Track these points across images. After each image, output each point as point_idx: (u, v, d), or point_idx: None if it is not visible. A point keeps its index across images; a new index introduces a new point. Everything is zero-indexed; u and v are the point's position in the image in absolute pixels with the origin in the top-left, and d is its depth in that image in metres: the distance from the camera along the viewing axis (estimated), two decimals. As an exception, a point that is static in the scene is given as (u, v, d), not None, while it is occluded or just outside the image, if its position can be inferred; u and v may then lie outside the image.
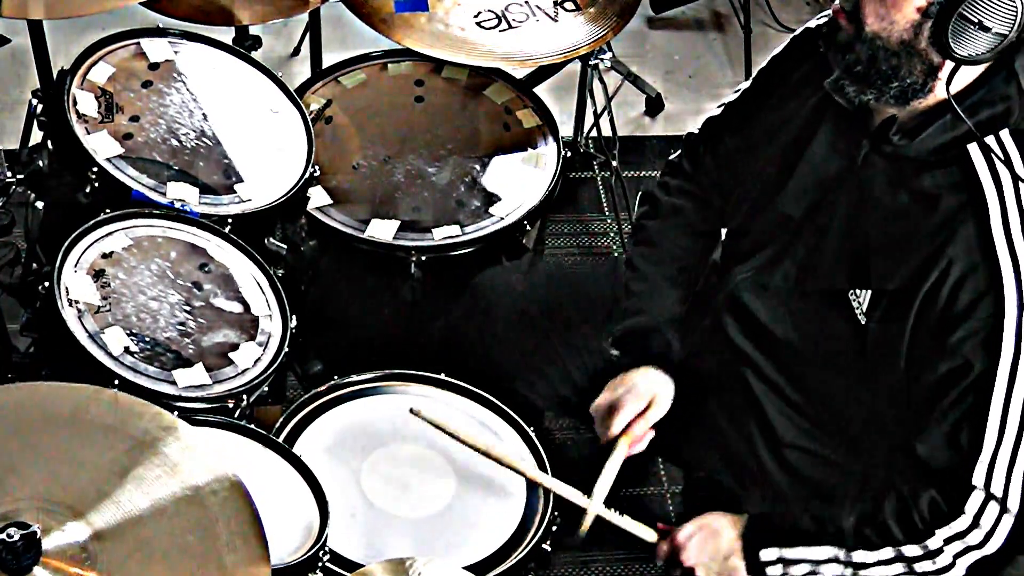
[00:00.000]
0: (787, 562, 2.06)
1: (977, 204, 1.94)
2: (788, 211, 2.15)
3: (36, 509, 1.74)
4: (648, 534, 2.20)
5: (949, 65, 1.92)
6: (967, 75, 1.96)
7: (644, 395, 2.20)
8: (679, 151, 2.41)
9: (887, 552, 2.01)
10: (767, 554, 2.08)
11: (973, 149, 1.96)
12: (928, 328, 1.97)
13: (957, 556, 1.97)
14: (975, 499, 1.95)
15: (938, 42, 1.89)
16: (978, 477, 1.94)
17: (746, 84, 2.33)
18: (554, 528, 2.20)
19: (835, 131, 2.10)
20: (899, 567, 2.01)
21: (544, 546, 2.18)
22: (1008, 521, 1.95)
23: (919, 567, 1.99)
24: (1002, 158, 1.95)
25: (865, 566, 2.02)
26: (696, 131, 2.39)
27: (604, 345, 2.32)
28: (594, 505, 2.16)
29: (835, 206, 2.09)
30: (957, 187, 1.97)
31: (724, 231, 2.35)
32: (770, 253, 2.17)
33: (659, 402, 2.21)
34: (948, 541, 1.96)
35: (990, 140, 1.96)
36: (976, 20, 1.86)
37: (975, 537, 1.96)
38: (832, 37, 1.99)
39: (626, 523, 2.18)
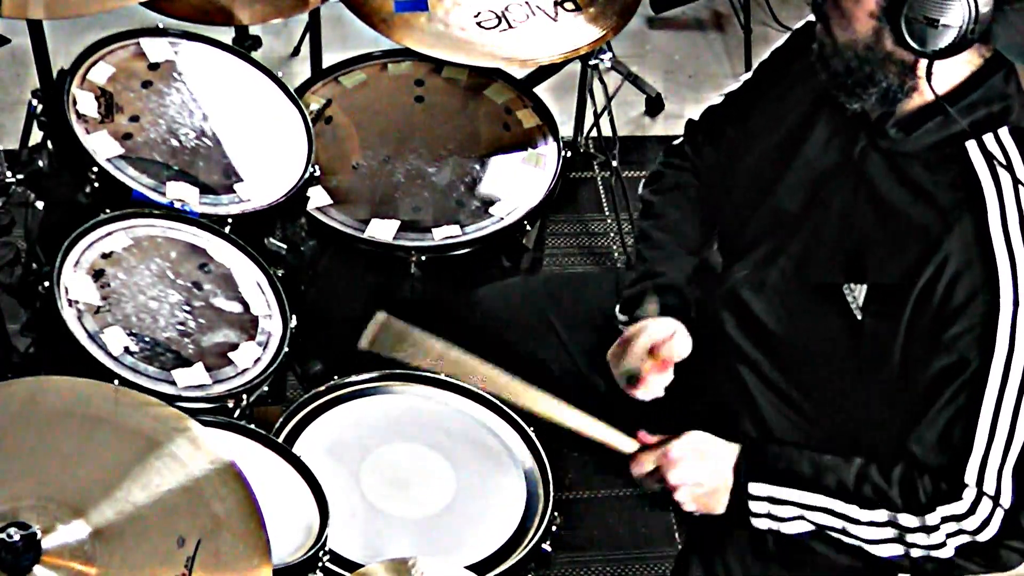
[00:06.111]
0: (775, 501, 2.04)
1: (975, 200, 1.94)
2: (785, 205, 2.15)
3: (35, 507, 1.75)
4: (627, 445, 2.11)
5: (924, 61, 1.92)
6: (956, 71, 1.95)
7: (666, 325, 2.15)
8: (681, 137, 2.41)
9: (881, 515, 2.00)
10: (756, 488, 2.05)
11: (971, 146, 1.96)
12: (923, 324, 1.97)
13: (950, 536, 1.97)
14: (969, 493, 1.95)
15: (902, 42, 1.90)
16: (970, 475, 1.94)
17: (748, 75, 2.33)
18: (554, 528, 2.20)
19: (832, 125, 2.11)
20: (890, 531, 2.00)
21: (544, 546, 2.17)
22: (1000, 513, 1.95)
23: (911, 538, 1.99)
24: (1001, 158, 1.94)
25: (857, 522, 2.01)
26: (696, 119, 2.39)
27: (615, 315, 2.28)
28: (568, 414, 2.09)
29: (831, 200, 2.09)
30: (955, 183, 1.97)
31: (719, 228, 2.35)
32: (767, 249, 2.17)
33: (681, 337, 2.16)
34: (945, 520, 1.97)
35: (988, 138, 1.96)
36: (922, 17, 1.86)
37: (971, 523, 1.96)
38: (820, 51, 2.01)
39: (601, 432, 2.10)
